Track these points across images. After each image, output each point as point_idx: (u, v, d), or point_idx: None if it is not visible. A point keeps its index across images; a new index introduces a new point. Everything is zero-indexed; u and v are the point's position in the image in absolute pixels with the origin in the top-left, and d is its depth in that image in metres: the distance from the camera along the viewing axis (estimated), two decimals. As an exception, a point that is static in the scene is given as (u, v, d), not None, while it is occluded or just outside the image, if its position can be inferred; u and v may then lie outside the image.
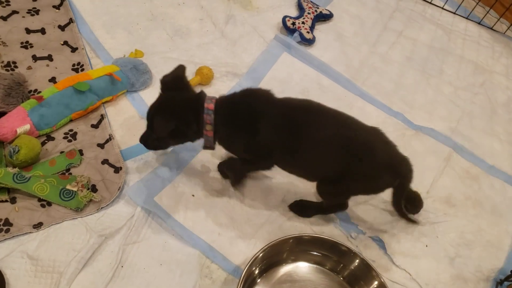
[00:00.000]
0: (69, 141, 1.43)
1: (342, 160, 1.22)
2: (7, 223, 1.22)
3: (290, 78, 1.78)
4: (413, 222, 1.47)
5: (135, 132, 1.48)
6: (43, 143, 1.39)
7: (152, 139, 1.30)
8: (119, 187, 1.34)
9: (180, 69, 1.29)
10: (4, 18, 1.64)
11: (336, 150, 1.22)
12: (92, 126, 1.47)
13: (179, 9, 1.89)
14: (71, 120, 1.46)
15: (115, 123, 1.51)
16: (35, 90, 1.49)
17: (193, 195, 1.41)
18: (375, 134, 1.27)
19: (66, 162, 1.37)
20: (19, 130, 1.33)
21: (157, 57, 1.70)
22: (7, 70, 1.51)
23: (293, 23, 1.90)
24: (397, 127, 1.76)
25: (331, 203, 1.41)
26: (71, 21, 1.70)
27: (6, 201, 1.26)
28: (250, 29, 1.90)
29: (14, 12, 1.66)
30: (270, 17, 1.97)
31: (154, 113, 1.26)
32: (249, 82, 1.72)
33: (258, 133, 1.23)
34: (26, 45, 1.60)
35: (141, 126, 1.51)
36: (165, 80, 1.28)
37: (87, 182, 1.33)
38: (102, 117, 1.49)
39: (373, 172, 1.24)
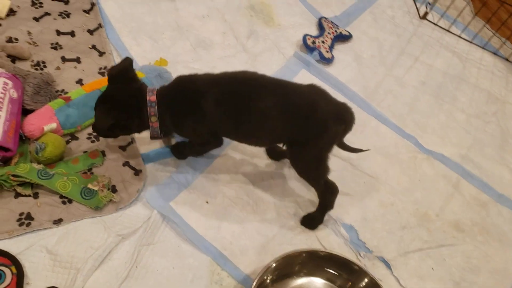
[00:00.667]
0: (92, 141, 1.47)
1: (289, 123, 1.28)
2: (29, 217, 1.27)
3: (307, 95, 1.82)
4: (363, 150, 1.53)
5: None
6: (67, 142, 1.44)
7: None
8: (138, 190, 1.38)
9: (127, 61, 1.31)
10: (37, 19, 1.70)
11: (281, 115, 1.27)
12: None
13: (203, 22, 1.94)
14: (94, 122, 1.51)
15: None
16: (62, 90, 1.54)
17: (207, 202, 1.45)
18: (313, 92, 1.33)
19: (88, 161, 1.42)
20: (46, 128, 1.38)
21: (180, 66, 1.75)
22: (36, 69, 1.57)
23: (313, 42, 1.94)
24: (409, 149, 1.80)
25: (312, 180, 1.43)
26: (100, 26, 1.75)
27: (29, 195, 1.30)
28: (271, 45, 1.95)
29: (46, 13, 1.72)
30: (291, 35, 2.02)
31: (96, 107, 1.30)
32: (267, 96, 1.76)
33: (204, 113, 1.28)
34: (55, 46, 1.65)
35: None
36: (111, 72, 1.30)
37: (108, 182, 1.37)
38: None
39: (320, 126, 1.29)
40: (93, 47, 1.70)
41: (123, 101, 1.28)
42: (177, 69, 1.72)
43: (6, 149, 1.31)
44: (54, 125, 1.39)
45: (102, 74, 1.64)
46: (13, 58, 1.56)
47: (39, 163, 1.35)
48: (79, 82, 1.59)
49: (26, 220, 1.26)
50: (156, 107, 1.28)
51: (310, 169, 1.40)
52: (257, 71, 1.81)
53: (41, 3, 1.75)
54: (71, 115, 1.44)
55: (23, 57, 1.57)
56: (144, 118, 1.29)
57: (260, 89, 1.28)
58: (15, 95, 1.39)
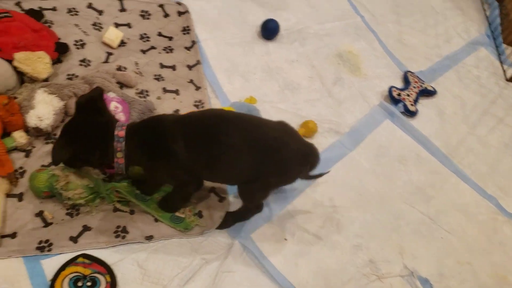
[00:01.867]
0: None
1: (256, 160, 1.26)
2: (125, 230, 1.36)
3: (389, 144, 1.85)
4: (320, 175, 1.46)
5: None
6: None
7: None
8: (222, 217, 1.45)
9: (97, 91, 1.26)
10: (144, 52, 1.85)
11: (248, 152, 1.25)
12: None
13: (292, 66, 2.04)
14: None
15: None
16: (161, 118, 1.66)
17: (285, 239, 1.49)
18: (281, 130, 1.31)
19: (178, 186, 1.51)
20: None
21: (268, 105, 1.84)
22: (140, 97, 1.71)
23: (399, 94, 1.98)
24: (490, 210, 1.77)
25: (252, 205, 1.44)
26: (198, 62, 1.89)
27: (126, 212, 1.40)
28: (356, 93, 2.01)
29: (152, 47, 1.88)
30: (376, 85, 2.07)
31: (59, 135, 1.26)
32: (350, 141, 1.81)
33: (176, 154, 1.24)
34: (158, 78, 1.79)
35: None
36: (79, 101, 1.25)
37: (194, 208, 1.45)
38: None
39: (286, 165, 1.29)
40: (191, 81, 1.83)
41: (85, 133, 1.23)
42: (264, 108, 1.81)
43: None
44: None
45: (197, 106, 1.75)
46: (121, 85, 1.71)
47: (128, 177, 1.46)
48: (176, 112, 1.71)
49: (122, 233, 1.35)
50: (123, 143, 1.24)
51: (257, 199, 1.42)
52: (341, 116, 1.90)
53: (148, 37, 1.91)
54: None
55: (129, 85, 1.72)
56: (108, 152, 1.25)
57: (228, 125, 1.26)
58: (122, 118, 1.52)
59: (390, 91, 1.98)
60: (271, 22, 2.06)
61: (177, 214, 1.43)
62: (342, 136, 1.83)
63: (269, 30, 2.06)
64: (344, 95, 1.99)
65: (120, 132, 1.24)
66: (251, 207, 1.46)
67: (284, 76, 1.99)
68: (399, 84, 2.11)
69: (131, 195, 1.41)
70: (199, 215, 1.45)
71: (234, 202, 1.52)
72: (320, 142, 1.79)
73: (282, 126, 1.33)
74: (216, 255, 1.38)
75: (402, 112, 1.96)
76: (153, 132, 1.26)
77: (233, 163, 1.28)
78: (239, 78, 1.92)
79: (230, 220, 1.46)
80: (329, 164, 1.73)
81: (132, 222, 1.38)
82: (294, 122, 1.81)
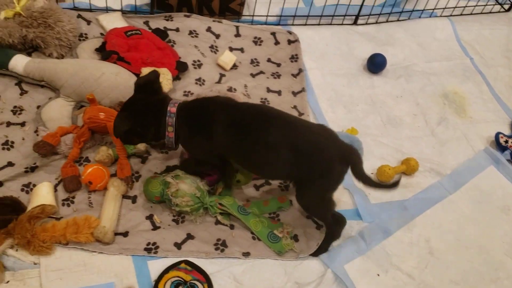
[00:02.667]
0: (282, 190, 1.62)
1: (296, 161, 1.31)
2: (224, 244, 1.43)
3: (492, 192, 1.78)
4: (392, 186, 1.55)
5: (340, 199, 1.62)
6: (261, 186, 1.60)
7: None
8: (318, 244, 1.47)
9: (153, 74, 1.38)
10: (253, 75, 1.95)
11: (288, 152, 1.30)
12: (304, 183, 1.65)
13: (396, 101, 2.04)
14: (288, 173, 1.66)
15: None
16: (264, 140, 1.73)
17: (378, 275, 1.48)
18: (320, 132, 1.35)
19: (277, 204, 1.56)
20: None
21: (369, 138, 1.84)
22: (246, 118, 1.79)
23: (506, 141, 1.91)
24: None
25: (318, 216, 1.48)
26: (303, 90, 1.95)
27: (227, 225, 1.47)
28: (460, 135, 1.96)
29: (261, 72, 1.97)
30: (482, 129, 2.00)
31: (118, 112, 1.37)
32: (450, 184, 1.76)
33: (212, 136, 1.33)
34: (264, 101, 1.87)
35: (346, 195, 1.66)
36: (138, 82, 1.37)
37: (291, 231, 1.49)
38: (313, 178, 1.66)
39: (325, 166, 1.32)
40: (295, 107, 1.89)
41: (142, 109, 1.35)
42: (365, 140, 1.81)
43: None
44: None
45: (299, 132, 1.81)
46: (230, 105, 1.81)
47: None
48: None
49: (221, 246, 1.42)
50: (174, 118, 1.34)
51: (315, 206, 1.43)
52: (443, 157, 1.86)
53: (258, 62, 2.00)
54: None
55: (238, 105, 1.82)
56: (161, 127, 1.35)
57: (270, 123, 1.33)
58: None
59: (497, 137, 1.91)
60: (379, 56, 2.08)
61: (275, 232, 1.47)
62: (443, 178, 1.79)
63: (376, 64, 2.08)
64: (447, 136, 1.94)
65: (172, 108, 1.34)
66: (326, 222, 1.47)
67: (387, 111, 1.99)
68: (507, 130, 2.02)
69: (232, 208, 1.48)
70: (295, 239, 1.49)
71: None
72: (420, 181, 1.77)
73: (322, 129, 1.38)
74: (309, 281, 1.40)
75: (508, 160, 1.88)
76: (201, 112, 1.36)
77: (269, 160, 1.34)
78: (342, 108, 1.95)
79: (324, 247, 1.48)
80: (427, 205, 1.70)
81: (231, 236, 1.45)
82: (395, 158, 1.82)
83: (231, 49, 1.99)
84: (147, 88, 1.36)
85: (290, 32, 2.10)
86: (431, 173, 1.80)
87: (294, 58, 2.04)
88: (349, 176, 1.69)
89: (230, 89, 1.85)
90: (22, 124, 1.58)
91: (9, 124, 1.57)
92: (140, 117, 1.34)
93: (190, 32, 1.98)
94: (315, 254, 1.47)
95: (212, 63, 1.93)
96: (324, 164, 1.33)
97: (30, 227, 1.30)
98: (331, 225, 1.47)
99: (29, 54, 1.73)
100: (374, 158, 1.80)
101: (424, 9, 2.39)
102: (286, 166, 1.34)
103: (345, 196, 1.66)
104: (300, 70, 2.01)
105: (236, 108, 1.38)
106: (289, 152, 1.31)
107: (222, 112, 1.34)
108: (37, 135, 1.54)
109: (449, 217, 1.69)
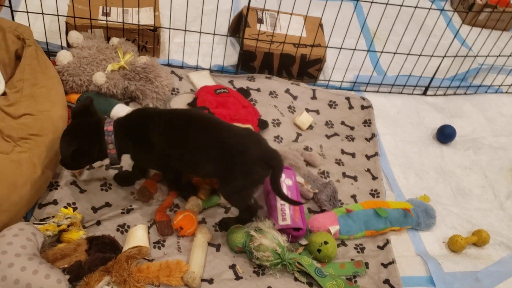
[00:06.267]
0: (358, 252, 1.66)
1: (220, 160, 1.44)
2: (304, 300, 1.47)
3: None
4: (297, 203, 1.60)
5: (413, 265, 1.65)
6: (338, 246, 1.65)
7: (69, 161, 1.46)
8: (393, 308, 1.50)
9: (87, 100, 1.49)
10: (328, 137, 2.04)
11: (213, 152, 1.44)
12: (378, 247, 1.69)
13: (465, 172, 2.08)
14: (363, 236, 1.70)
15: (396, 250, 1.70)
16: (339, 201, 1.79)
17: None
18: (247, 136, 1.48)
19: (353, 269, 1.59)
20: (332, 229, 1.62)
21: (440, 207, 1.88)
22: (321, 177, 1.87)
23: None
24: None
25: (235, 205, 1.61)
26: (376, 154, 2.02)
27: (304, 283, 1.52)
28: (531, 212, 1.97)
29: (336, 134, 2.06)
30: (553, 207, 2.01)
31: (61, 137, 1.45)
32: (523, 262, 1.77)
33: (150, 144, 1.45)
34: (339, 162, 1.95)
35: (419, 261, 1.68)
36: (74, 109, 1.49)
37: (369, 294, 1.52)
38: (387, 242, 1.70)
39: (246, 167, 1.44)
40: (368, 170, 1.96)
41: (83, 131, 1.45)
42: (436, 209, 1.85)
43: (296, 229, 1.59)
44: (337, 227, 1.63)
45: (372, 195, 1.87)
46: (307, 163, 1.89)
47: (315, 258, 1.58)
48: (353, 197, 1.84)
49: (302, 302, 1.46)
50: (112, 136, 1.44)
51: (233, 199, 1.57)
52: (512, 232, 1.87)
53: (332, 124, 2.10)
54: (349, 224, 1.67)
55: (314, 165, 1.90)
56: (103, 145, 1.45)
57: (198, 126, 1.46)
58: (290, 182, 1.69)
59: None
60: (449, 128, 2.14)
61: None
62: (514, 252, 1.80)
63: (446, 135, 2.14)
64: (518, 211, 1.96)
65: (108, 127, 1.45)
66: (240, 210, 1.59)
67: (457, 181, 2.03)
68: None
69: (310, 268, 1.52)
70: (371, 301, 1.52)
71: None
72: (490, 253, 1.78)
73: (248, 133, 1.51)
74: None
75: None
76: (135, 124, 1.48)
77: (198, 159, 1.47)
78: (413, 175, 2.00)
79: (227, 223, 1.61)
80: (499, 278, 1.70)
81: (312, 293, 1.50)
82: (465, 228, 1.84)
83: (307, 110, 2.10)
84: (83, 113, 1.48)
85: (363, 98, 2.21)
86: (501, 247, 1.81)
87: (367, 123, 2.13)
88: (422, 243, 1.74)
89: (306, 148, 1.95)
90: (120, 169, 1.70)
91: (108, 167, 1.70)
92: (83, 138, 1.45)
93: (270, 93, 2.11)
94: (223, 228, 1.61)
95: (290, 122, 2.04)
96: (246, 165, 1.45)
97: (128, 266, 1.39)
98: (243, 212, 1.59)
99: (126, 104, 1.89)
100: (445, 227, 1.83)
101: (490, 85, 2.46)
102: (212, 165, 1.47)
103: (418, 263, 1.69)
104: (373, 135, 2.09)
105: (167, 115, 1.52)
106: (215, 152, 1.45)
107: (154, 120, 1.47)
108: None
109: (523, 292, 1.68)
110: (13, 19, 1.91)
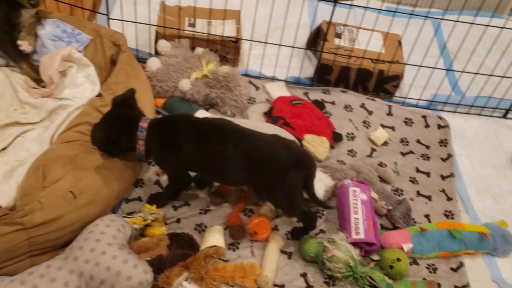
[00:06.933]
0: (430, 272, 1.64)
1: (252, 169, 1.48)
2: (375, 314, 1.47)
3: None
4: (329, 207, 1.68)
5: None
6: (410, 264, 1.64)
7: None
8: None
9: (130, 92, 1.53)
10: (403, 154, 2.03)
11: (243, 161, 1.46)
12: (452, 269, 1.66)
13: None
14: (436, 256, 1.68)
15: (470, 274, 1.66)
16: (412, 219, 1.78)
17: None
18: (275, 142, 1.50)
19: (424, 288, 1.58)
20: (405, 246, 1.61)
21: (517, 234, 1.82)
22: (395, 194, 1.86)
23: None
24: None
25: (288, 212, 1.66)
26: (451, 175, 1.98)
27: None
28: None
29: (411, 152, 2.05)
30: None
31: (94, 124, 1.51)
32: None
33: (179, 150, 1.48)
34: (413, 180, 1.93)
35: (493, 285, 1.63)
36: (116, 98, 1.52)
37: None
38: (461, 264, 1.67)
39: (280, 172, 1.46)
40: (443, 191, 1.92)
41: (116, 121, 1.49)
42: (515, 235, 1.79)
43: (369, 244, 1.59)
44: (411, 245, 1.62)
45: (446, 216, 1.83)
46: (380, 179, 1.89)
47: (386, 274, 1.57)
48: (427, 216, 1.82)
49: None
50: (144, 133, 1.47)
51: (282, 206, 1.59)
52: None
53: (408, 142, 2.09)
54: (421, 243, 1.65)
55: (388, 181, 1.90)
56: (133, 139, 1.48)
57: (224, 135, 1.48)
58: (364, 197, 1.68)
59: None
60: (530, 152, 2.07)
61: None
62: None
63: (527, 160, 2.07)
64: None
65: (143, 124, 1.49)
66: (297, 217, 1.63)
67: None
68: None
69: (382, 284, 1.52)
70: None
71: None
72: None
73: (276, 139, 1.52)
74: None
75: None
76: (167, 127, 1.52)
77: (226, 168, 1.49)
78: (490, 199, 1.94)
79: (299, 234, 1.64)
80: None
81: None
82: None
83: (382, 126, 2.10)
84: (124, 103, 1.53)
85: (440, 117, 2.17)
86: None
87: (444, 142, 2.10)
88: (497, 269, 1.69)
89: (380, 164, 1.95)
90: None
91: (188, 169, 1.78)
92: (114, 127, 1.49)
93: (345, 106, 2.13)
94: (295, 238, 1.64)
95: (364, 137, 2.05)
96: (279, 171, 1.47)
97: (205, 264, 1.45)
98: (303, 220, 1.60)
99: (206, 110, 1.98)
100: (524, 255, 1.77)
101: None
102: (243, 173, 1.49)
103: (494, 289, 1.64)
104: (449, 155, 2.05)
105: (199, 123, 1.54)
106: (246, 161, 1.47)
107: (186, 127, 1.50)
108: (211, 183, 1.73)
109: None
110: (108, 26, 2.06)
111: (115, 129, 1.49)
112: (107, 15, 2.05)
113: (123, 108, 1.52)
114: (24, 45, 1.82)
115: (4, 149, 1.67)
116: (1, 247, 1.35)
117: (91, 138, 1.50)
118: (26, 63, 1.85)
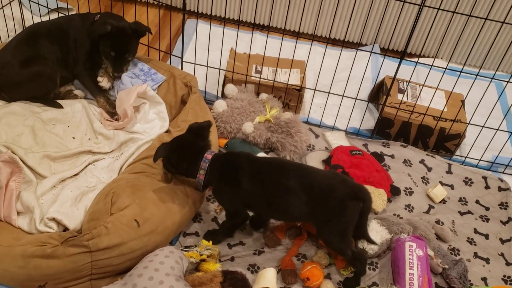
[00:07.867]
0: None
1: (311, 202, 1.51)
2: None
3: None
4: (374, 243, 1.67)
5: None
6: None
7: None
8: None
9: (206, 123, 1.61)
10: (461, 213, 1.99)
11: (303, 195, 1.51)
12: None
13: None
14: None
15: None
16: (469, 281, 1.72)
17: None
18: (331, 176, 1.57)
19: None
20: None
21: None
22: (451, 253, 1.81)
23: None
24: None
25: (338, 250, 1.61)
26: (511, 239, 1.92)
27: None
28: None
29: (469, 212, 2.00)
30: None
31: (164, 142, 1.62)
32: None
33: (239, 185, 1.53)
34: (470, 241, 1.89)
35: None
36: (192, 125, 1.61)
37: None
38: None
39: (338, 204, 1.51)
40: (502, 255, 1.86)
41: (183, 146, 1.57)
42: None
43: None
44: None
45: (506, 282, 1.76)
46: (437, 237, 1.85)
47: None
48: (484, 279, 1.75)
49: None
50: (207, 164, 1.54)
51: (334, 242, 1.56)
52: None
53: (466, 202, 2.05)
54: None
55: (445, 240, 1.86)
56: (195, 167, 1.55)
57: (286, 171, 1.54)
58: (420, 253, 1.65)
59: None
60: None
61: None
62: None
63: None
64: None
65: (208, 155, 1.56)
66: (346, 258, 1.61)
67: None
68: None
69: None
70: None
71: None
72: None
73: (333, 174, 1.62)
74: None
75: None
76: (229, 162, 1.58)
77: (288, 203, 1.53)
78: None
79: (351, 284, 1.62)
80: None
81: None
82: None
83: (441, 183, 2.07)
84: (197, 132, 1.60)
85: (501, 180, 2.13)
86: None
87: (504, 205, 2.04)
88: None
89: (438, 222, 1.92)
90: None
91: (245, 209, 1.83)
92: (179, 151, 1.57)
93: (405, 161, 2.13)
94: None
95: (423, 193, 2.03)
96: (337, 203, 1.51)
97: (256, 304, 1.47)
98: (353, 261, 1.60)
99: (266, 153, 2.03)
100: None
101: None
102: (303, 208, 1.52)
103: None
104: (510, 219, 1.99)
105: (258, 160, 1.64)
106: (306, 195, 1.51)
107: (247, 163, 1.56)
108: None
109: None
110: (181, 68, 2.19)
111: (178, 153, 1.58)
112: (181, 57, 2.19)
113: (195, 136, 1.60)
114: (104, 81, 1.98)
115: (76, 175, 1.79)
116: (67, 267, 1.44)
117: (154, 155, 1.58)
118: (103, 97, 2.00)
